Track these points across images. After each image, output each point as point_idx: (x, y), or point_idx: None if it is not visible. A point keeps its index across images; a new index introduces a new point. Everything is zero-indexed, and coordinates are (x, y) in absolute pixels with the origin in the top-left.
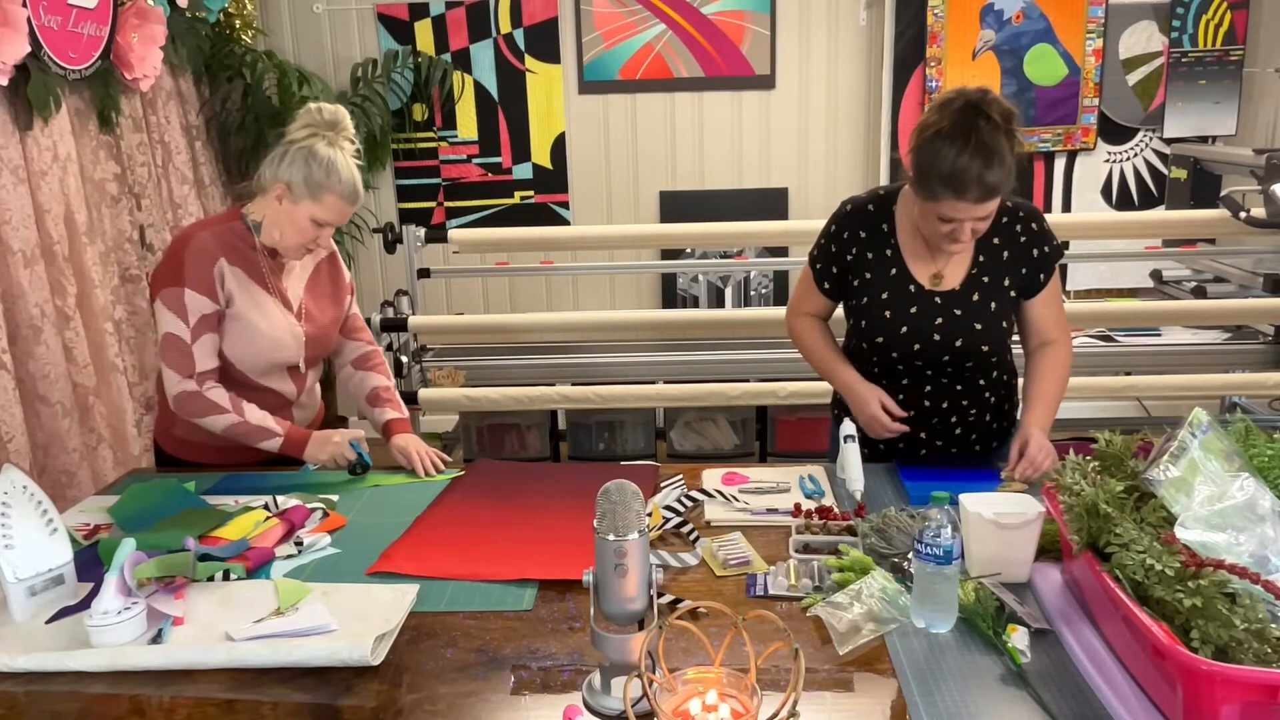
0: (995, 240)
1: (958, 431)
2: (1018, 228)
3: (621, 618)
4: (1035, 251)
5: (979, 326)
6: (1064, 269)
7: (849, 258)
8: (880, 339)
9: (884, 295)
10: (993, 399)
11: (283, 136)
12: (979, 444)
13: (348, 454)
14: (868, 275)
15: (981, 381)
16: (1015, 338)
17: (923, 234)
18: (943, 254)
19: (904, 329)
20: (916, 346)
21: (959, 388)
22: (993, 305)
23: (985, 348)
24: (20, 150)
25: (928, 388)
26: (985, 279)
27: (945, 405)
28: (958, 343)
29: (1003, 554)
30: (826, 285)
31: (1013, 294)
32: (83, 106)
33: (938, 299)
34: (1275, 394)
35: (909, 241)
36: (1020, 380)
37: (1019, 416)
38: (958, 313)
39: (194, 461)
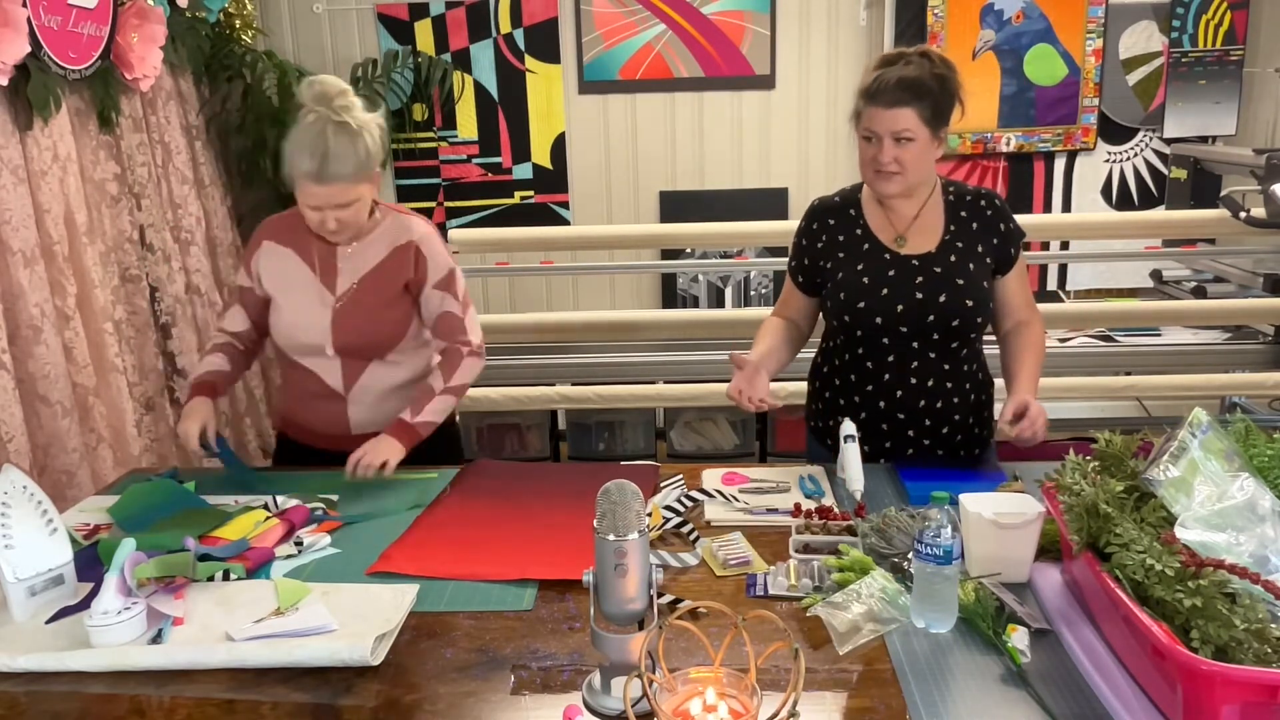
0: (963, 214)
1: (944, 429)
2: (982, 202)
3: (621, 618)
4: (1002, 226)
5: (961, 282)
6: (1064, 269)
7: (820, 245)
8: (862, 304)
9: (859, 266)
10: (972, 395)
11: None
12: (962, 447)
13: (192, 441)
14: (840, 255)
15: (965, 368)
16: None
17: (868, 187)
18: (899, 214)
19: (884, 291)
20: (900, 308)
21: (946, 367)
22: (971, 266)
23: (970, 303)
24: (20, 150)
25: (915, 364)
26: (959, 244)
27: (930, 384)
28: (942, 298)
29: (1003, 554)
30: (800, 279)
31: (988, 262)
32: (83, 106)
33: (915, 261)
34: (1275, 394)
35: (875, 220)
36: (994, 388)
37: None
38: (938, 270)
39: (303, 444)
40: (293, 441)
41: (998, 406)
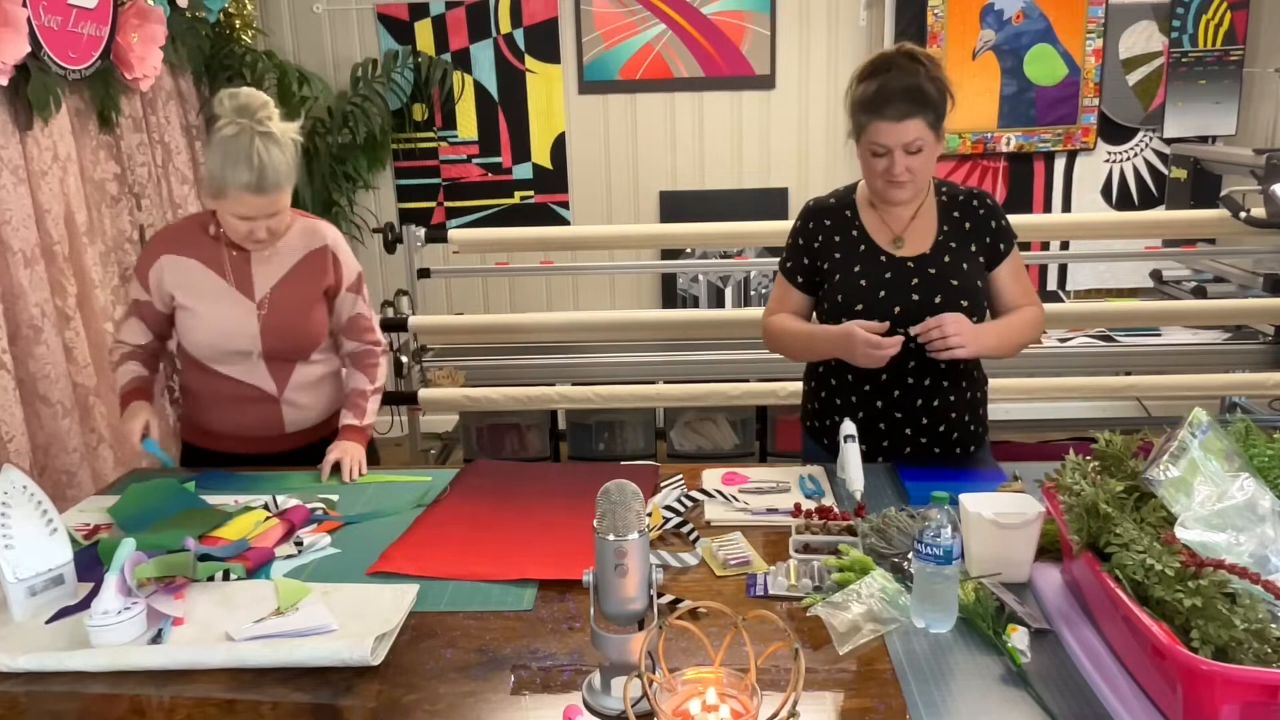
0: (956, 214)
1: (940, 427)
2: (975, 202)
3: (621, 618)
4: (994, 224)
5: (955, 283)
6: (1064, 269)
7: (816, 245)
8: (860, 306)
9: (856, 268)
10: (968, 393)
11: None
12: (958, 445)
13: (136, 437)
14: (837, 255)
15: (961, 366)
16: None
17: (872, 195)
18: (896, 217)
19: (881, 293)
20: (897, 309)
21: (943, 365)
22: (965, 266)
23: (964, 303)
24: (20, 150)
25: (911, 363)
26: (953, 244)
27: (928, 383)
28: (937, 299)
29: (1003, 554)
30: (799, 279)
31: (980, 261)
32: (83, 106)
33: (910, 263)
34: (1275, 394)
35: (872, 222)
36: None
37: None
38: (932, 271)
39: (220, 451)
40: (203, 450)
41: (993, 406)
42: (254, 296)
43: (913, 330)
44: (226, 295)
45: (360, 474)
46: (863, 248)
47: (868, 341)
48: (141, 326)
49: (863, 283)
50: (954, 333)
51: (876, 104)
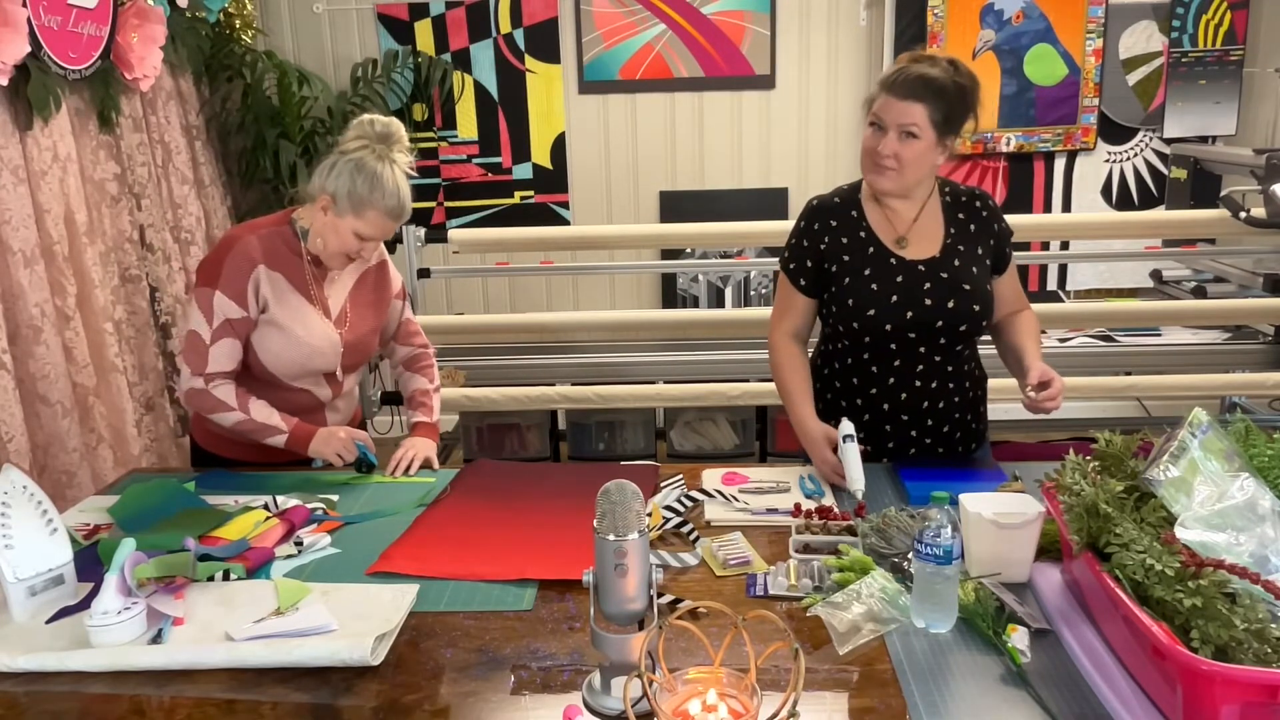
0: (961, 215)
1: (944, 427)
2: (978, 204)
3: (621, 618)
4: (996, 227)
5: (967, 287)
6: (1064, 269)
7: (823, 247)
8: (873, 311)
9: (867, 271)
10: (970, 391)
11: (333, 146)
12: (960, 444)
13: (352, 451)
14: (845, 258)
15: (965, 366)
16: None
17: (866, 184)
18: (899, 215)
19: (894, 297)
20: (910, 314)
21: (950, 367)
22: (974, 270)
23: (977, 308)
24: (20, 150)
25: (920, 366)
26: (961, 247)
27: (934, 385)
28: (950, 303)
29: (1003, 554)
30: (803, 282)
31: (988, 263)
32: (83, 106)
33: (921, 267)
34: (1275, 394)
35: (877, 220)
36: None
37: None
38: (944, 275)
39: (231, 458)
40: (218, 457)
41: (994, 406)
42: (330, 314)
43: (1037, 393)
44: (312, 313)
45: (419, 468)
46: (871, 249)
47: (825, 460)
48: (236, 346)
49: (874, 286)
50: (1060, 398)
51: (891, 80)
